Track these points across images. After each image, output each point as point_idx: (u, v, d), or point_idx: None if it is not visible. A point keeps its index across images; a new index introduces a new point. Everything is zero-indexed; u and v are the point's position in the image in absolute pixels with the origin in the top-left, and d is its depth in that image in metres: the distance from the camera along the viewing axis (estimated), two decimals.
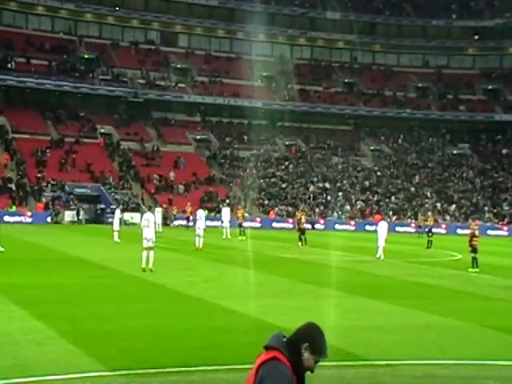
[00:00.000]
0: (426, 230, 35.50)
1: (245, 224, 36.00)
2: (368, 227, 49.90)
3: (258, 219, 48.57)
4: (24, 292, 14.25)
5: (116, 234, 29.61)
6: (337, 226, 49.36)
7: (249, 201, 53.18)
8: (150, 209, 22.16)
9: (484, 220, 53.80)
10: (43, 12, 64.60)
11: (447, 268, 23.00)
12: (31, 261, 20.65)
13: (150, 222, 18.73)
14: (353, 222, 51.27)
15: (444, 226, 50.87)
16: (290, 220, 49.61)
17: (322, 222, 50.21)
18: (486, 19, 74.18)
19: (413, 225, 50.47)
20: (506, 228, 50.92)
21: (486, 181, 62.57)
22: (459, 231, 49.21)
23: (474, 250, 22.24)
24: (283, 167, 59.74)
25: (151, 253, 18.37)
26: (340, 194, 56.77)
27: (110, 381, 8.12)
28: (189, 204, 44.37)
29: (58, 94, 59.35)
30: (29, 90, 57.90)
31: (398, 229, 48.51)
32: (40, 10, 64.45)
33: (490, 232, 48.55)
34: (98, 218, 46.03)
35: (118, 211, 32.12)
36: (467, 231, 49.75)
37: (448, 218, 56.11)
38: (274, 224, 48.92)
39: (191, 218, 43.64)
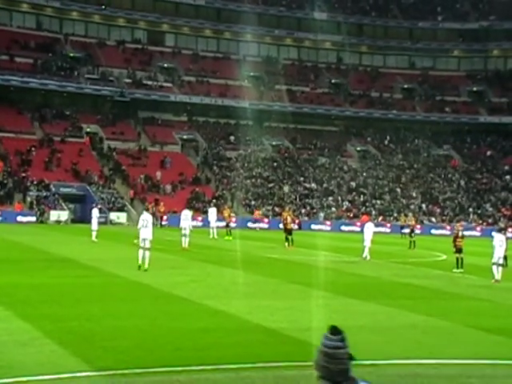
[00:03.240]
0: (408, 230, 35.76)
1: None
2: (343, 227, 50.45)
3: (234, 219, 48.31)
4: (8, 292, 14.14)
5: (94, 234, 29.39)
6: (312, 227, 49.60)
7: (235, 201, 53.17)
8: (148, 210, 22.48)
9: (468, 221, 54.27)
10: (28, 9, 64.12)
11: (432, 268, 23.16)
12: (15, 261, 20.50)
13: (147, 222, 18.96)
14: (328, 222, 51.54)
15: (418, 226, 51.52)
16: (266, 220, 49.88)
17: (297, 221, 50.39)
18: (471, 22, 74.81)
19: (388, 225, 50.95)
20: (478, 228, 51.46)
21: (471, 182, 63.11)
22: (433, 231, 51.41)
23: (459, 251, 22.40)
24: (270, 167, 59.81)
25: (147, 253, 18.53)
26: (327, 194, 56.95)
27: (95, 381, 8.09)
28: (162, 204, 44.46)
29: (44, 93, 58.94)
30: (13, 89, 57.43)
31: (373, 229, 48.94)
32: (25, 7, 63.96)
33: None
34: (86, 218, 45.70)
35: (95, 210, 31.39)
36: (442, 231, 51.24)
37: (434, 219, 56.52)
38: (250, 224, 48.69)
39: (165, 217, 43.88)
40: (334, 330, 3.38)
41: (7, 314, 11.71)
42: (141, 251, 18.65)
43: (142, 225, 19.02)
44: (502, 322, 12.90)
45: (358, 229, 49.29)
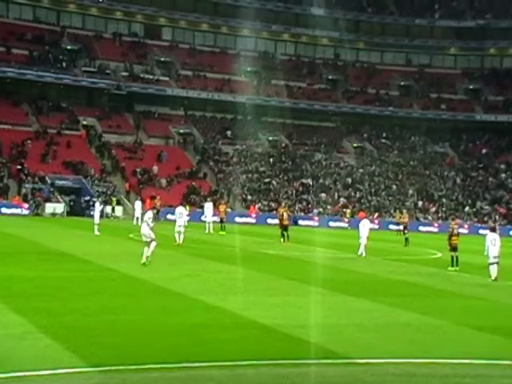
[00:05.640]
0: (402, 227, 35.80)
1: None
2: (331, 223, 50.55)
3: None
4: (2, 285, 14.09)
5: (96, 228, 29.44)
6: (300, 222, 49.62)
7: (232, 196, 53.15)
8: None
9: (464, 219, 54.35)
10: (25, 1, 63.79)
11: (427, 266, 23.19)
12: (10, 253, 20.42)
13: (145, 217, 19.21)
14: (316, 218, 51.64)
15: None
16: (253, 215, 49.88)
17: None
18: (468, 20, 74.83)
19: (376, 221, 51.06)
20: (466, 226, 51.48)
21: (466, 180, 63.22)
22: (421, 228, 51.83)
23: (454, 249, 22.42)
24: (266, 163, 59.76)
25: (145, 248, 18.41)
26: (323, 190, 56.98)
27: (90, 377, 8.06)
28: (158, 197, 44.19)
29: (40, 85, 58.73)
30: (10, 80, 57.20)
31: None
32: None
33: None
34: (81, 211, 45.60)
35: (97, 204, 31.83)
36: (429, 228, 51.39)
37: (430, 216, 56.64)
38: (237, 219, 48.23)
39: (160, 210, 43.69)
40: None
41: (1, 307, 11.65)
42: (146, 249, 18.64)
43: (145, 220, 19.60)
44: (497, 320, 12.92)
45: (346, 225, 49.57)
